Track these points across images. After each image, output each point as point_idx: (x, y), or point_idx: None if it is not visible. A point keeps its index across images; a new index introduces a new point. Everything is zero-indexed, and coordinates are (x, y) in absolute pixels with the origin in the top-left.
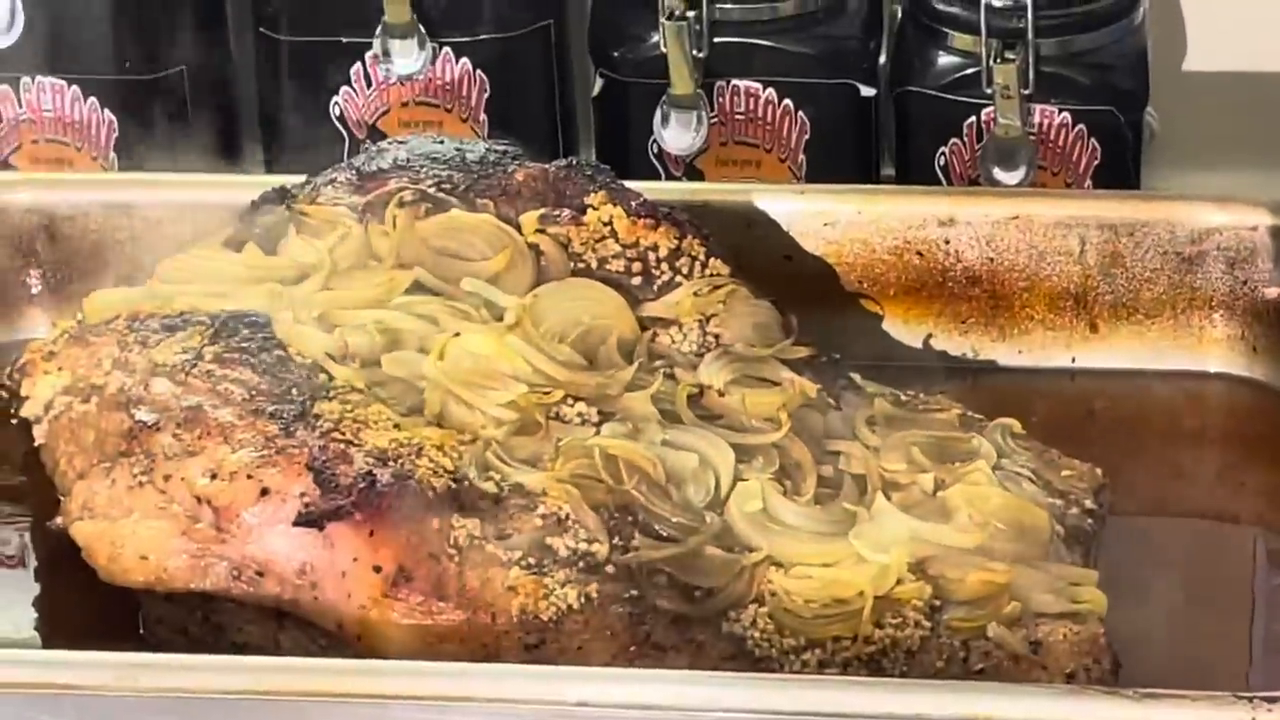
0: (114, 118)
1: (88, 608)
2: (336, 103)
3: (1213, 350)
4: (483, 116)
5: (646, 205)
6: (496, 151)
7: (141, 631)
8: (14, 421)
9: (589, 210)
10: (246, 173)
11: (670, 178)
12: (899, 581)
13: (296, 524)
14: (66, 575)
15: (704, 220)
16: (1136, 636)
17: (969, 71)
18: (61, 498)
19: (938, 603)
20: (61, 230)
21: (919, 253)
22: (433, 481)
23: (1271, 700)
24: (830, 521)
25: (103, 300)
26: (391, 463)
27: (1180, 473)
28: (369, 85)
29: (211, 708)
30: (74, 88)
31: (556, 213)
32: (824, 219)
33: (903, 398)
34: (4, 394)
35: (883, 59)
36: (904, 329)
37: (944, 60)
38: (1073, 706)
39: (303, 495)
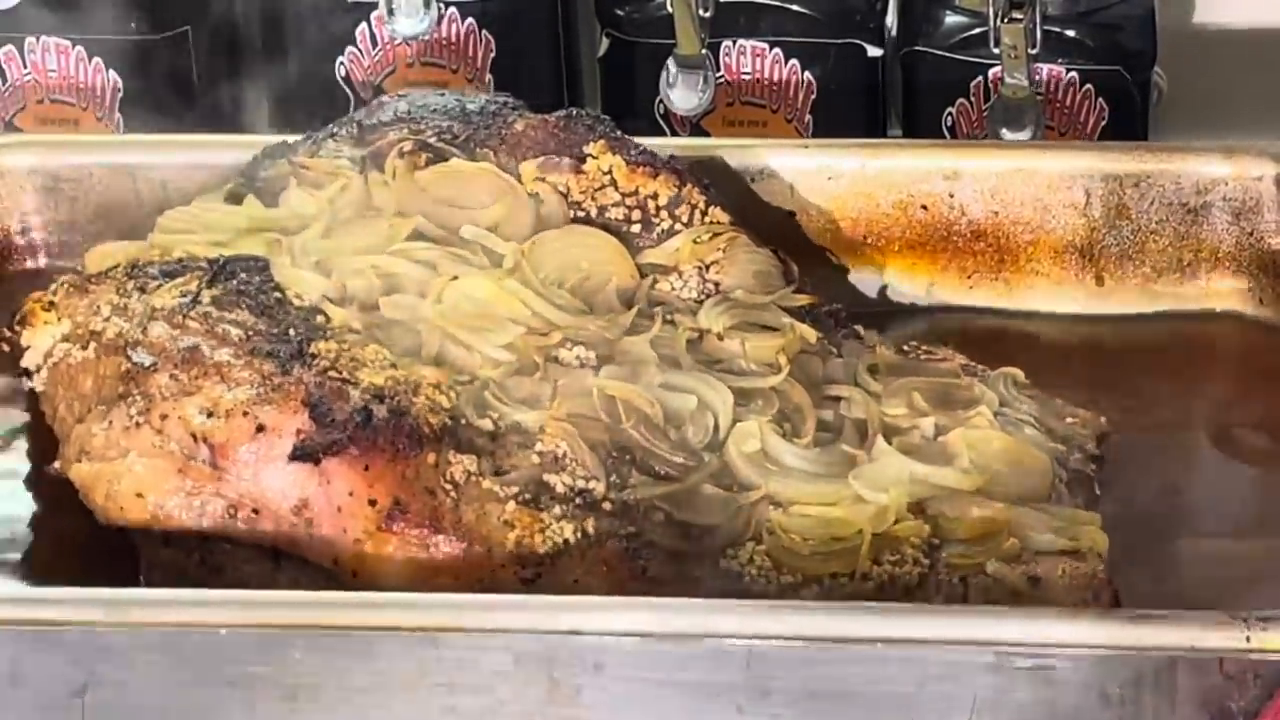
0: (119, 78)
1: (87, 554)
2: (342, 63)
3: (1218, 302)
4: (488, 77)
5: (646, 154)
6: (497, 102)
7: (140, 576)
8: (21, 377)
9: (589, 159)
10: (252, 134)
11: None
12: (897, 520)
13: (293, 458)
14: (65, 522)
15: (708, 176)
16: (1141, 578)
17: (976, 31)
18: (61, 444)
19: (936, 541)
20: (66, 192)
21: (924, 206)
22: (429, 418)
23: (1265, 619)
24: (829, 463)
25: (104, 253)
26: (388, 399)
27: (1185, 425)
28: (374, 45)
29: (204, 642)
30: (79, 48)
31: (556, 161)
32: (828, 174)
33: (905, 347)
34: (5, 346)
35: (889, 18)
36: (909, 283)
37: (951, 20)
38: (1069, 628)
39: (299, 432)
